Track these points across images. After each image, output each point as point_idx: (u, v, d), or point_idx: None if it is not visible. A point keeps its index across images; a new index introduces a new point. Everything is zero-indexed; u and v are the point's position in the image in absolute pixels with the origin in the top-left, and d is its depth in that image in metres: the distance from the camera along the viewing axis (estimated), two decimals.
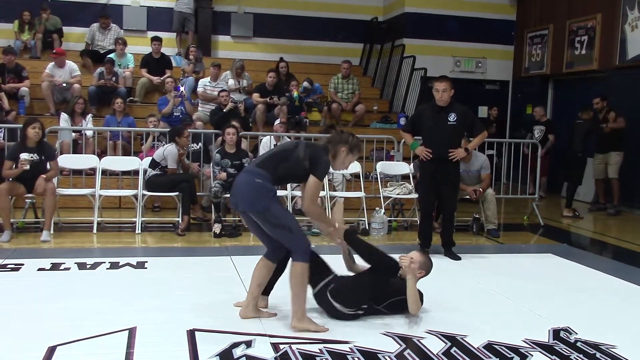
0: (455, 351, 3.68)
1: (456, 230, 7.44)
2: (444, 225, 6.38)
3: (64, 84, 9.64)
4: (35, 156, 6.47)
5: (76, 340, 3.64)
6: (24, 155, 6.37)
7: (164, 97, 9.54)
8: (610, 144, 9.29)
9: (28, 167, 6.35)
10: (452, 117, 5.98)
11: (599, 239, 7.95)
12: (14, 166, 6.44)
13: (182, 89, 9.61)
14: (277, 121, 8.99)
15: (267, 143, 8.52)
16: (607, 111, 9.32)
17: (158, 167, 7.26)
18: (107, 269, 5.38)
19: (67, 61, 9.84)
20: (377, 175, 8.09)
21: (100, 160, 7.46)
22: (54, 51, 9.89)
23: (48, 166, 6.67)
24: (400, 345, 3.72)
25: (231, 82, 10.35)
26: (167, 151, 7.28)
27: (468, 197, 7.34)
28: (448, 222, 6.30)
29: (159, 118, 9.03)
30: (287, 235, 3.90)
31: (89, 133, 8.47)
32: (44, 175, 6.43)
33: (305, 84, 10.81)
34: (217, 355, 3.49)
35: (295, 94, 10.05)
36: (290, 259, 3.96)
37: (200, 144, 8.20)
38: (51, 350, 3.48)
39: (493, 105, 12.21)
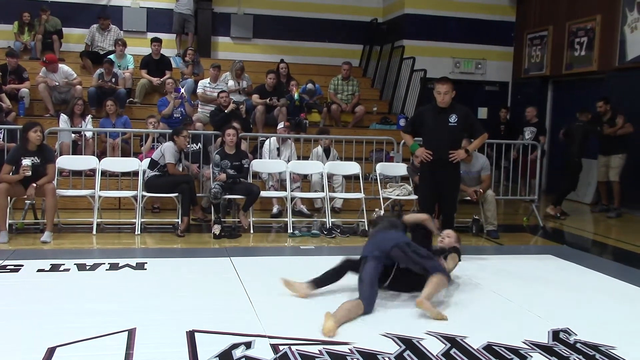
0: (454, 352, 3.68)
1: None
2: (444, 227, 6.36)
3: (56, 83, 9.64)
4: (36, 159, 6.48)
5: (76, 342, 3.63)
6: (26, 162, 6.36)
7: (164, 98, 9.54)
8: (613, 146, 9.26)
9: (30, 173, 6.36)
10: (452, 119, 5.96)
11: (598, 240, 7.95)
12: (13, 170, 6.44)
13: (182, 90, 9.62)
14: (281, 124, 8.98)
15: (268, 147, 8.53)
16: (610, 115, 9.30)
17: (157, 167, 7.26)
18: (106, 270, 5.37)
19: (60, 65, 9.82)
20: (376, 176, 8.09)
21: (99, 161, 7.46)
22: (44, 59, 9.79)
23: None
24: (400, 346, 3.72)
25: (231, 83, 10.36)
26: (165, 147, 7.28)
27: (468, 198, 7.34)
28: (448, 223, 6.29)
29: (159, 119, 9.03)
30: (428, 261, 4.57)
31: (89, 134, 8.47)
32: (34, 184, 6.40)
33: (309, 85, 10.81)
34: (216, 357, 3.48)
35: (295, 94, 10.02)
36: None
37: (200, 145, 8.21)
38: (50, 351, 3.48)
39: (492, 107, 12.19)
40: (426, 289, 4.35)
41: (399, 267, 4.62)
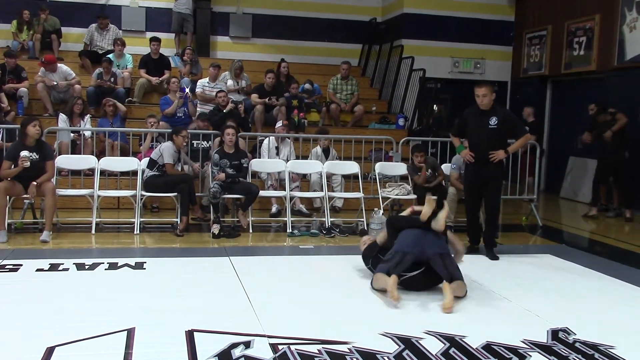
0: (454, 352, 3.68)
1: (455, 230, 7.47)
2: (486, 225, 6.47)
3: (55, 82, 9.64)
4: (34, 155, 6.46)
5: (75, 341, 3.63)
6: (24, 153, 6.35)
7: (167, 97, 9.51)
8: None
9: (28, 164, 6.33)
10: (493, 121, 6.13)
11: (597, 240, 7.95)
12: (12, 166, 6.43)
13: (187, 90, 9.64)
14: (279, 123, 8.99)
15: (267, 146, 8.53)
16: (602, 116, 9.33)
17: (156, 167, 7.26)
18: (105, 269, 5.37)
19: (59, 65, 9.82)
20: (375, 175, 8.09)
21: (98, 160, 7.45)
22: (43, 59, 9.79)
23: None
24: (399, 346, 3.72)
25: (230, 82, 10.35)
26: (163, 147, 7.28)
27: None
28: (490, 222, 6.40)
29: (159, 118, 9.03)
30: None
31: (88, 133, 8.46)
32: (34, 183, 6.40)
33: (307, 85, 10.81)
34: (215, 356, 3.48)
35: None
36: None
37: (210, 142, 8.22)
38: (50, 351, 3.48)
39: None
40: (451, 295, 4.59)
41: (425, 269, 4.81)
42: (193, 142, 8.16)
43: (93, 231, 6.92)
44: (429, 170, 7.77)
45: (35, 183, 6.39)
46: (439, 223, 4.88)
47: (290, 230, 7.29)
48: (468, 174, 6.50)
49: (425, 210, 4.94)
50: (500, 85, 13.17)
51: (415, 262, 4.79)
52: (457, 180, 7.52)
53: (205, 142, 8.25)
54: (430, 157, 8.14)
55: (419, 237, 4.85)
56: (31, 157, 6.40)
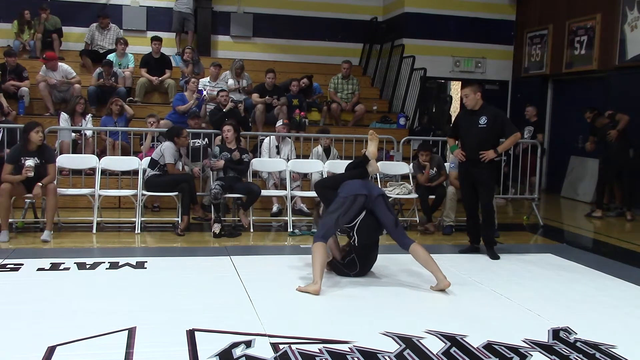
0: (454, 351, 3.68)
1: (455, 230, 7.48)
2: (483, 225, 6.48)
3: (55, 81, 9.64)
4: (36, 160, 6.47)
5: (76, 340, 3.64)
6: (29, 162, 6.35)
7: (183, 94, 9.57)
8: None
9: (32, 174, 6.35)
10: (482, 120, 6.21)
11: (598, 239, 7.95)
12: (14, 171, 6.44)
13: (204, 92, 9.66)
14: (280, 122, 8.99)
15: (267, 144, 8.53)
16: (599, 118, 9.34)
17: (157, 167, 7.26)
18: (106, 269, 5.38)
19: (60, 64, 9.83)
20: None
21: (99, 160, 7.46)
22: (44, 56, 9.81)
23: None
24: (400, 345, 3.72)
25: (231, 82, 10.35)
26: (164, 147, 7.28)
27: None
28: (486, 221, 6.42)
29: (159, 118, 9.02)
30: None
31: (89, 133, 8.47)
32: (39, 183, 6.40)
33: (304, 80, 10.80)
34: (216, 355, 3.49)
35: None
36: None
37: (206, 140, 8.22)
38: (51, 350, 3.48)
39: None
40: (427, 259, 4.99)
41: (367, 212, 5.09)
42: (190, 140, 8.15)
43: (94, 230, 6.92)
44: (434, 169, 7.77)
45: (40, 184, 6.39)
46: (373, 167, 5.49)
47: (291, 230, 7.29)
48: (461, 173, 6.56)
49: (372, 148, 5.54)
50: (501, 85, 13.20)
51: (360, 208, 5.04)
52: (457, 180, 7.51)
53: (200, 140, 8.21)
54: (436, 155, 8.13)
55: (363, 182, 5.26)
56: (35, 163, 6.41)
